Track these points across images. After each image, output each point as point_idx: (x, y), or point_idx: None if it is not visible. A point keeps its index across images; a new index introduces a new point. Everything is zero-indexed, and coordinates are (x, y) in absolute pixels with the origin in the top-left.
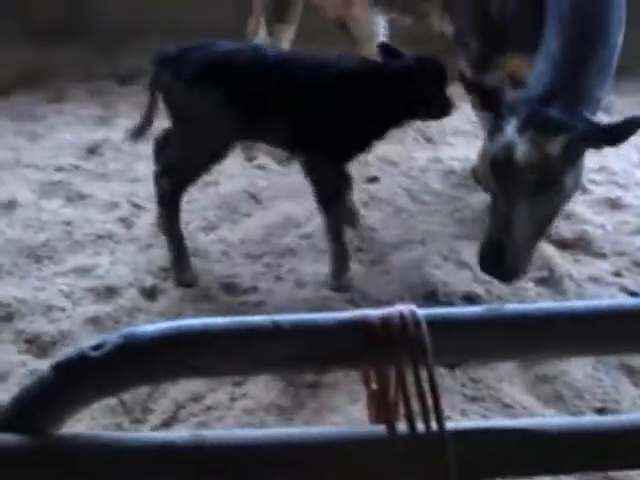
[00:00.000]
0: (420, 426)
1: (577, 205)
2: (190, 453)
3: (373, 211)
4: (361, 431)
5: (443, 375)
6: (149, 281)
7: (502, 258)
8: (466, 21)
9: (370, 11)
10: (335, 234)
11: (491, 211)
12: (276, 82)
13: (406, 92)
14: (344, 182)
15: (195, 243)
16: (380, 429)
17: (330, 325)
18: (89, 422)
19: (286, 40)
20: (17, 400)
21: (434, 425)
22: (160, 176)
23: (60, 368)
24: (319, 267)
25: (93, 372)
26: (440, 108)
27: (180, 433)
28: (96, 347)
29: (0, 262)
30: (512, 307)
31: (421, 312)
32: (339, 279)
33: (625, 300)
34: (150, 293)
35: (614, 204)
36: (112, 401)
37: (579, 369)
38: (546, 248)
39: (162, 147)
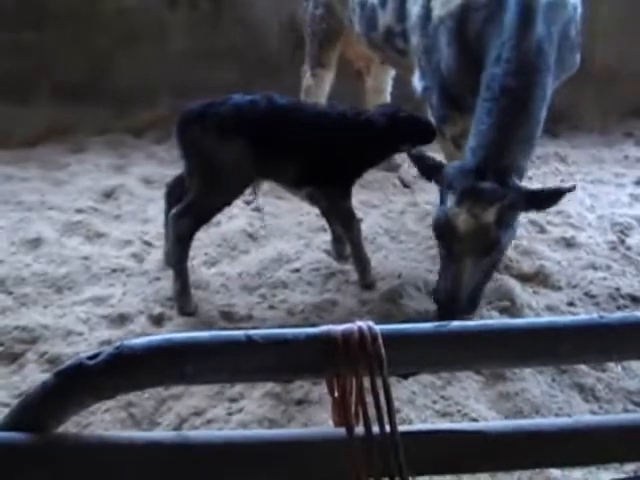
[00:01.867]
0: (376, 429)
1: (536, 243)
2: (175, 450)
3: None
4: (325, 433)
5: (417, 393)
6: (157, 309)
7: (454, 307)
8: (431, 82)
9: (383, 68)
10: (357, 246)
11: (441, 268)
12: (286, 127)
13: (385, 137)
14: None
15: (198, 276)
16: (341, 431)
17: (297, 339)
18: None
19: (326, 82)
20: (23, 402)
21: (388, 428)
22: (179, 217)
23: (60, 374)
24: (307, 298)
25: (88, 378)
26: (423, 137)
27: (167, 433)
28: (92, 357)
29: (26, 292)
30: (457, 323)
31: (377, 327)
32: (366, 278)
33: (558, 318)
34: (158, 320)
35: (569, 243)
36: (122, 414)
37: (537, 387)
38: (508, 281)
39: (174, 192)
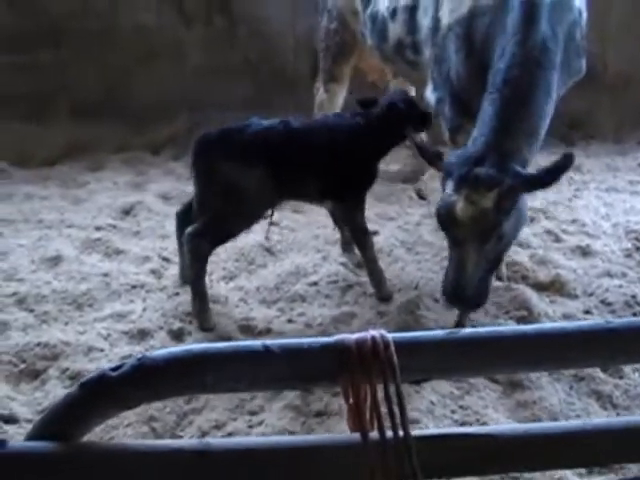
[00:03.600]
0: (389, 434)
1: (552, 252)
2: (197, 457)
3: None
4: (340, 439)
5: (435, 403)
6: (176, 324)
7: (461, 295)
8: (443, 93)
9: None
10: (371, 261)
11: (449, 256)
12: (302, 148)
13: (390, 129)
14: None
15: (216, 291)
16: (356, 437)
17: (313, 348)
18: None
19: (339, 96)
20: (49, 413)
21: (401, 433)
22: (195, 237)
23: (85, 386)
24: (325, 311)
25: (112, 389)
26: (422, 123)
27: (189, 440)
28: (115, 368)
29: (47, 309)
30: (468, 331)
31: (390, 335)
32: (382, 291)
33: (566, 324)
34: (177, 335)
35: (584, 251)
36: (144, 428)
37: (554, 395)
38: (525, 290)
39: (185, 213)
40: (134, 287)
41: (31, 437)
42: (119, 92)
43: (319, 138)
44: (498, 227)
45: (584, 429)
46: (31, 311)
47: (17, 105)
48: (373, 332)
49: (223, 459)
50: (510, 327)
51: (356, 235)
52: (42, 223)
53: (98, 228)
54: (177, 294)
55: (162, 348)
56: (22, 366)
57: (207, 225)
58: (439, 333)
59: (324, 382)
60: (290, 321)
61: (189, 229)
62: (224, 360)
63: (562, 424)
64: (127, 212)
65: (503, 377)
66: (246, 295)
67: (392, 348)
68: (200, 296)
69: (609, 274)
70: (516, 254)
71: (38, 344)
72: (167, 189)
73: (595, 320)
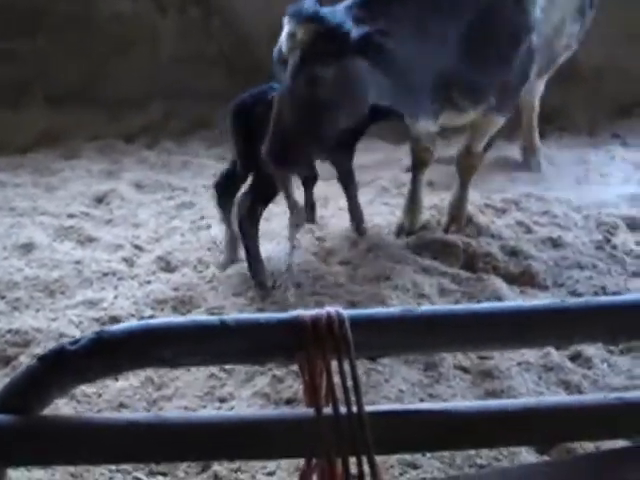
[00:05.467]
0: (343, 409)
1: (523, 243)
2: (151, 430)
3: (351, 251)
4: (295, 414)
5: (404, 391)
6: (147, 312)
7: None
8: None
9: None
10: (352, 196)
11: None
12: None
13: None
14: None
15: (188, 279)
16: (311, 412)
17: (269, 323)
18: None
19: None
20: (9, 385)
21: (355, 408)
22: (247, 196)
23: (43, 359)
24: (296, 300)
25: (70, 362)
26: None
27: (144, 414)
28: (74, 342)
29: (19, 296)
30: (424, 308)
31: (346, 312)
32: (360, 225)
33: (522, 303)
34: None
35: (555, 243)
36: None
37: (523, 385)
38: (495, 281)
39: (224, 185)
40: (106, 275)
41: None
42: (94, 80)
43: None
44: (310, 66)
45: (539, 407)
46: (2, 298)
47: None
48: (329, 308)
49: (177, 432)
50: (465, 305)
51: (344, 175)
52: (14, 211)
53: (71, 216)
54: (149, 282)
55: None
56: None
57: (254, 185)
58: (395, 310)
59: (280, 358)
60: (261, 310)
61: (240, 194)
62: (182, 334)
63: (518, 401)
64: (100, 200)
65: (473, 366)
66: (217, 283)
67: (347, 324)
68: (255, 259)
69: (579, 265)
70: (487, 245)
71: (9, 331)
72: (140, 177)
73: (551, 299)
